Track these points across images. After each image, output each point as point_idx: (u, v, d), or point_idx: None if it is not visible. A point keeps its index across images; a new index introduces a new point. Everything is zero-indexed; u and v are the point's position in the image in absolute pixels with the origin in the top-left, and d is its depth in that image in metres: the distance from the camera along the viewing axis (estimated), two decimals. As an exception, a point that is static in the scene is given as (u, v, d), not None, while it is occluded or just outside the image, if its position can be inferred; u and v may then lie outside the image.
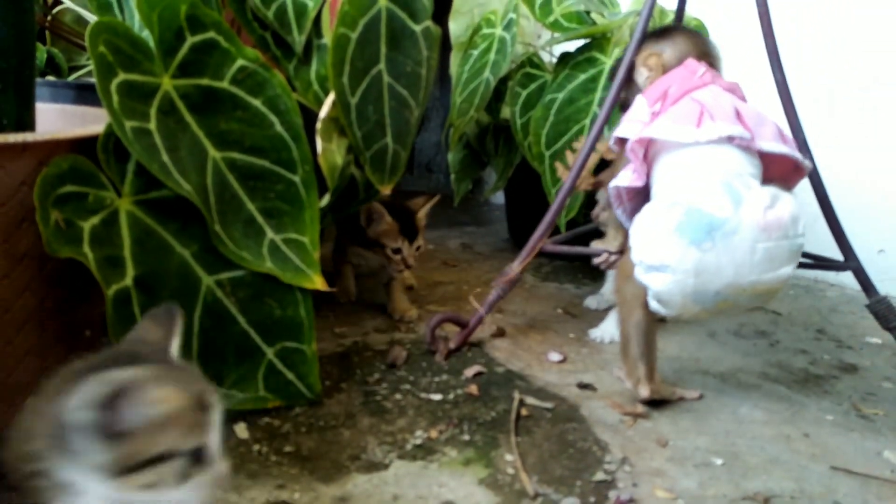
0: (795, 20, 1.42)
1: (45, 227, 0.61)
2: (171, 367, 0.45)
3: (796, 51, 1.37)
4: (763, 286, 0.76)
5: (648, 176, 0.85)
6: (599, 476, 0.71)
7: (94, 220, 0.66)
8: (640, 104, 0.88)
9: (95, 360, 0.42)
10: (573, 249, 1.08)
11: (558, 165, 1.24)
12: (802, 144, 0.97)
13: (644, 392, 0.84)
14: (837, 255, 0.96)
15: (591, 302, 1.24)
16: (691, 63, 0.86)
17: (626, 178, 0.86)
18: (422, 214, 1.13)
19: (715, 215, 0.74)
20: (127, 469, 0.39)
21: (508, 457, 0.73)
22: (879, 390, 0.94)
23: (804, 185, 0.96)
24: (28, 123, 0.66)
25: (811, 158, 0.96)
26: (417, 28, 0.90)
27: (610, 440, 0.78)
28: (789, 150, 0.81)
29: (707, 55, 0.90)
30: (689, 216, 0.74)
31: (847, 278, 0.98)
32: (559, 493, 0.67)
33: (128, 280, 0.68)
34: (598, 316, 1.16)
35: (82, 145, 0.67)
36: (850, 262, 0.96)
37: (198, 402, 0.43)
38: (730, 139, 0.78)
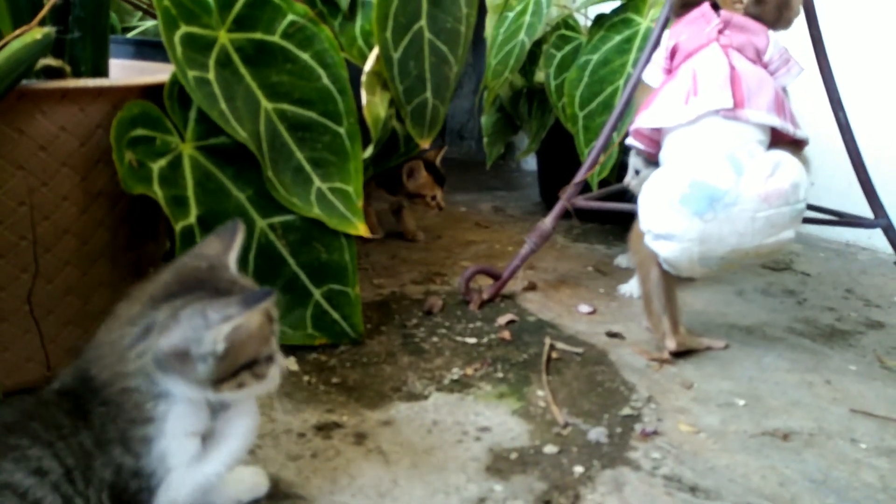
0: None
1: (121, 166, 0.67)
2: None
3: (833, 6, 1.36)
4: (766, 249, 0.79)
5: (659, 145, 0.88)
6: (626, 411, 0.75)
7: (162, 161, 0.72)
8: (663, 43, 0.91)
9: (174, 286, 0.47)
10: (605, 205, 1.11)
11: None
12: (836, 102, 0.98)
13: (671, 344, 0.87)
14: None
15: (622, 260, 1.27)
16: (707, 11, 0.86)
17: (645, 119, 0.88)
18: (438, 162, 1.31)
19: (717, 187, 0.76)
20: (222, 378, 0.45)
21: (540, 392, 0.78)
22: (905, 346, 0.96)
23: (838, 143, 0.98)
24: (102, 70, 0.71)
25: (844, 115, 0.97)
26: (458, -14, 0.93)
27: (637, 382, 0.82)
28: (780, 122, 0.80)
29: None
30: (692, 188, 0.77)
31: (879, 241, 0.99)
32: (587, 424, 0.72)
33: (191, 218, 0.73)
34: (629, 273, 1.19)
35: (150, 92, 0.72)
36: (880, 219, 0.97)
37: (267, 316, 0.48)
38: (717, 112, 0.79)
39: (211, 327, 0.43)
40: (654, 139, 0.89)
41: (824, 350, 0.93)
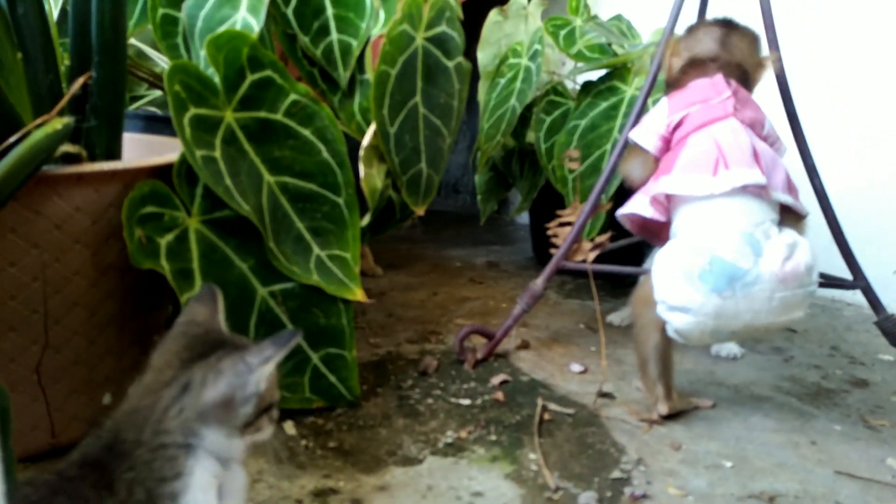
0: (811, 44, 1.48)
1: (131, 242, 0.70)
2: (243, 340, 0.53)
3: (809, 72, 1.43)
4: (776, 326, 0.82)
5: (668, 214, 0.90)
6: (616, 474, 0.77)
7: (169, 236, 0.75)
8: (660, 110, 0.92)
9: (195, 349, 0.50)
10: (594, 267, 1.14)
11: (567, 155, 1.31)
12: (812, 169, 1.03)
13: (663, 409, 0.89)
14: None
15: (615, 318, 1.30)
16: (719, 82, 0.87)
17: (640, 207, 0.90)
18: None
19: (737, 265, 0.78)
20: (247, 423, 0.49)
21: (532, 455, 0.80)
22: (888, 404, 0.98)
23: (817, 205, 1.02)
24: (116, 153, 0.76)
25: (820, 182, 1.02)
26: (450, 64, 0.99)
27: (627, 443, 0.84)
28: (794, 201, 0.84)
29: (726, 59, 0.90)
30: (712, 265, 0.78)
31: (864, 298, 1.03)
32: (578, 488, 0.74)
33: (196, 289, 0.77)
34: (620, 332, 1.22)
35: (159, 171, 0.77)
36: (859, 280, 1.01)
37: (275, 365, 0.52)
38: (744, 187, 0.80)
39: (253, 371, 0.47)
40: (664, 206, 0.90)
41: (810, 410, 0.95)
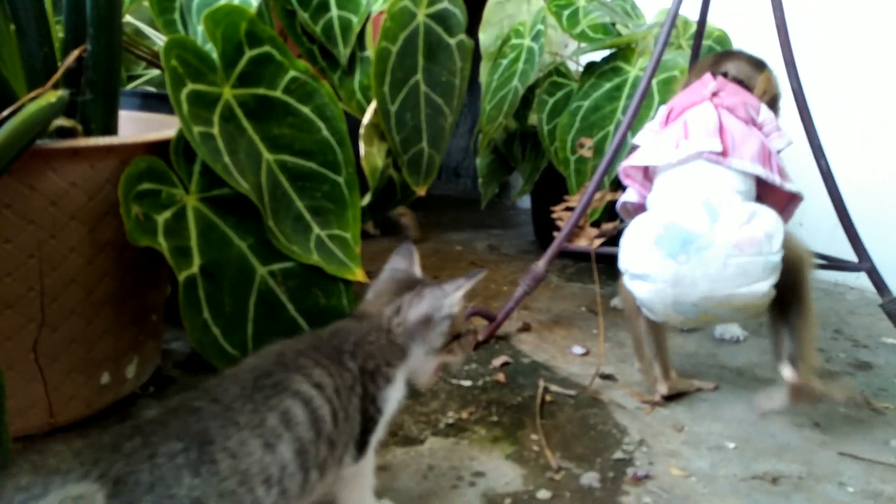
0: (816, 26, 1.46)
1: (128, 219, 0.69)
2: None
3: (815, 54, 1.41)
4: (739, 300, 0.78)
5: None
6: (618, 455, 0.77)
7: (167, 214, 0.74)
8: (660, 111, 0.95)
9: (402, 284, 0.63)
10: (596, 249, 1.13)
11: (580, 143, 1.30)
12: (818, 150, 1.02)
13: (662, 389, 0.89)
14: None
15: (617, 302, 1.29)
16: (706, 78, 0.92)
17: (629, 194, 0.94)
18: None
19: (690, 230, 0.78)
20: (444, 344, 0.62)
21: (534, 436, 0.80)
22: (891, 386, 0.98)
23: (824, 188, 1.01)
24: (112, 128, 0.75)
25: (826, 163, 1.01)
26: (452, 41, 0.98)
27: (629, 424, 0.84)
28: (764, 172, 0.82)
29: (718, 71, 0.95)
30: (667, 230, 0.79)
31: (867, 281, 1.02)
32: (580, 469, 0.73)
33: (194, 268, 0.76)
34: (622, 315, 1.21)
35: (156, 148, 0.75)
36: (864, 262, 1.00)
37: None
38: (699, 154, 0.82)
39: (448, 295, 0.61)
40: (647, 183, 0.93)
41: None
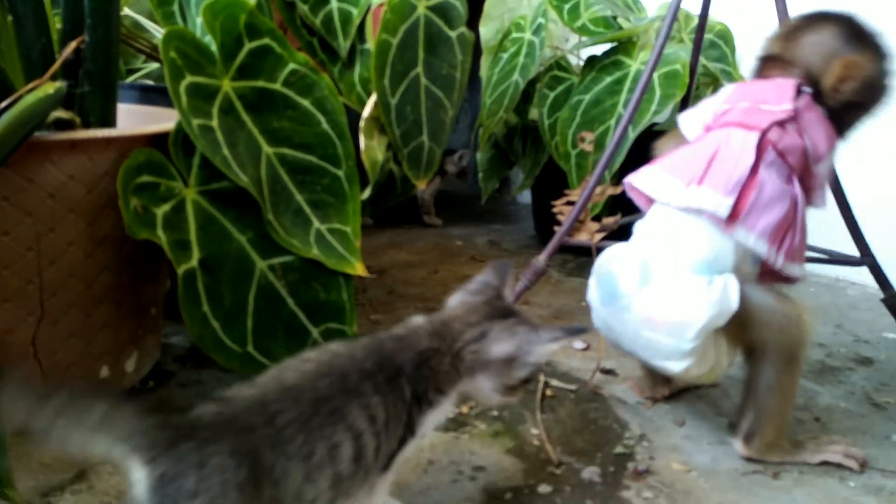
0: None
1: (127, 212, 0.69)
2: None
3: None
4: (660, 368, 0.74)
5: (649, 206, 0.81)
6: (619, 449, 0.76)
7: (166, 207, 0.74)
8: (718, 96, 0.80)
9: (493, 308, 0.58)
10: (597, 243, 1.13)
11: (581, 137, 1.29)
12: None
13: (664, 391, 0.89)
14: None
15: (615, 296, 1.29)
16: (788, 90, 0.73)
17: (639, 179, 0.80)
18: None
19: (617, 287, 0.72)
20: (512, 387, 0.56)
21: (534, 431, 0.79)
22: (893, 381, 0.97)
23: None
24: (110, 121, 0.74)
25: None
26: (453, 34, 0.97)
27: (629, 419, 0.83)
28: (768, 251, 0.69)
29: (787, 58, 0.76)
30: (603, 276, 0.76)
31: (868, 277, 1.01)
32: (581, 463, 0.73)
33: (194, 261, 0.75)
34: (621, 308, 1.21)
35: (155, 140, 0.75)
36: (866, 257, 1.00)
37: None
38: (699, 212, 0.70)
39: (542, 343, 0.55)
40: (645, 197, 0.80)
41: (814, 387, 0.94)
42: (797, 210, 0.71)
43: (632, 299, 0.71)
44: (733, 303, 0.68)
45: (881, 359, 1.05)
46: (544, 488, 0.68)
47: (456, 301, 0.60)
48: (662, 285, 0.70)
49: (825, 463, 0.74)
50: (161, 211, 0.73)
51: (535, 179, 1.58)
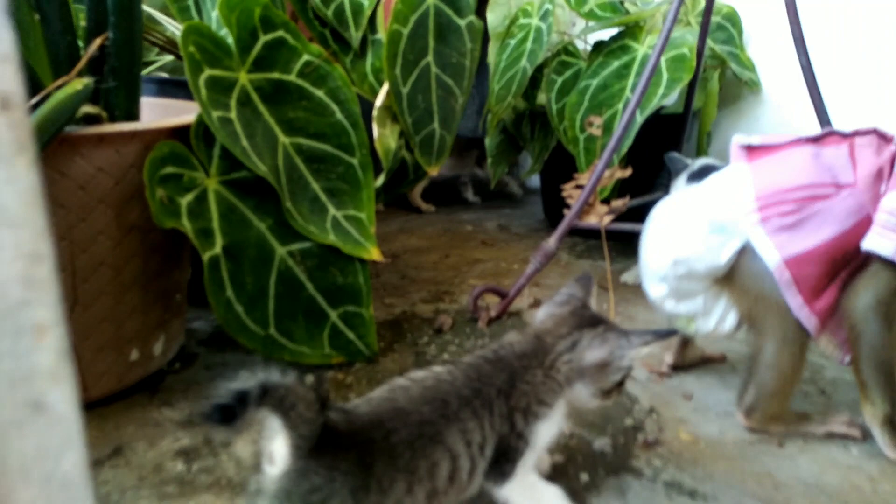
0: (826, 6, 1.45)
1: (153, 202, 0.72)
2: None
3: (826, 34, 1.41)
4: (648, 291, 0.83)
5: None
6: (629, 422, 0.79)
7: (189, 196, 0.77)
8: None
9: (583, 317, 0.61)
10: (606, 226, 1.15)
11: (589, 121, 1.31)
12: (826, 125, 1.03)
13: (668, 358, 0.91)
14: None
15: (628, 277, 1.31)
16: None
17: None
18: None
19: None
20: (608, 391, 0.59)
21: (547, 406, 0.82)
22: (898, 355, 0.99)
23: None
24: (135, 114, 0.77)
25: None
26: (462, 22, 0.99)
27: (639, 394, 0.86)
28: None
29: None
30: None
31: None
32: (592, 435, 0.76)
33: (217, 248, 0.78)
34: (632, 290, 1.23)
35: (178, 132, 0.78)
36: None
37: None
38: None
39: (633, 347, 0.58)
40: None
41: (820, 361, 0.96)
42: None
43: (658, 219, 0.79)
44: (722, 259, 0.73)
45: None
46: (557, 458, 0.71)
47: (544, 314, 0.63)
48: (681, 218, 0.77)
49: (834, 435, 0.77)
50: (185, 200, 0.76)
51: (543, 164, 1.60)
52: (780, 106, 1.55)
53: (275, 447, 0.48)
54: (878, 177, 0.71)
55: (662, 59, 1.31)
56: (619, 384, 0.60)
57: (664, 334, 0.60)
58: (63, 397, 0.23)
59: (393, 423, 0.51)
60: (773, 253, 0.71)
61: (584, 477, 0.69)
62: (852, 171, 0.71)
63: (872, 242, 0.68)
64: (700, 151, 1.55)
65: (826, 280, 0.70)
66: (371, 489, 0.49)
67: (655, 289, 0.80)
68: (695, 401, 0.85)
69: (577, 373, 0.58)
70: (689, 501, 0.66)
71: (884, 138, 0.73)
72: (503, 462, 0.56)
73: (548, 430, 0.58)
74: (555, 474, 0.69)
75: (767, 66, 1.57)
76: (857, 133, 0.73)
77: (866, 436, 0.76)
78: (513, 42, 1.54)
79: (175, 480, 0.67)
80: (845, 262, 0.70)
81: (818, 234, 0.70)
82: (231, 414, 0.42)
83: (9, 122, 0.22)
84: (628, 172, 1.16)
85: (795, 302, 0.71)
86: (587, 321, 0.60)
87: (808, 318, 0.71)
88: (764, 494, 0.67)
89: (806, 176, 0.71)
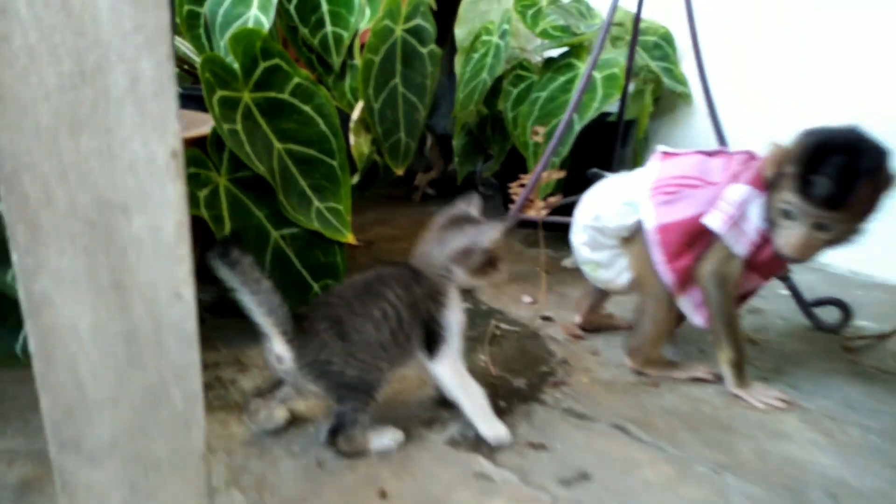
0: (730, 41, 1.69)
1: (180, 195, 0.94)
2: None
3: (737, 53, 1.65)
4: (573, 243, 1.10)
5: None
6: (544, 369, 1.03)
7: (205, 191, 0.99)
8: None
9: (453, 223, 0.83)
10: (544, 218, 1.39)
11: (534, 130, 1.54)
12: (721, 139, 1.27)
13: (577, 318, 1.16)
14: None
15: (567, 262, 1.55)
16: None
17: None
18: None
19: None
20: (479, 270, 0.81)
21: (482, 357, 1.06)
22: (771, 325, 1.24)
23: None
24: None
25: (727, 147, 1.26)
26: (425, 50, 1.21)
27: (557, 350, 1.10)
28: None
29: None
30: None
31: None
32: (513, 377, 1.00)
33: (226, 231, 1.00)
34: (570, 273, 1.47)
35: (197, 141, 1.00)
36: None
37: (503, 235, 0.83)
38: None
39: (484, 233, 0.79)
40: None
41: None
42: None
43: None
44: (626, 223, 0.99)
45: (768, 309, 1.32)
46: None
47: (431, 229, 0.85)
48: (606, 192, 1.04)
49: (697, 380, 1.01)
50: (202, 194, 0.98)
51: (501, 164, 1.83)
52: (708, 116, 1.79)
53: (275, 348, 0.71)
54: (735, 179, 0.95)
55: (598, 77, 1.54)
56: (492, 265, 0.80)
57: (506, 223, 0.83)
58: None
59: (345, 291, 0.78)
60: (651, 219, 0.95)
61: (503, 404, 0.92)
62: (720, 175, 0.95)
63: (709, 219, 0.92)
64: (636, 156, 1.78)
65: (683, 247, 0.95)
66: (350, 332, 0.74)
67: (578, 236, 1.05)
68: (600, 356, 1.09)
69: (451, 259, 0.80)
70: (578, 421, 0.89)
71: (753, 157, 0.97)
72: (431, 343, 0.81)
73: (454, 315, 0.81)
74: (482, 403, 0.92)
75: (698, 81, 1.81)
76: (737, 152, 0.98)
77: (720, 379, 1.00)
78: (476, 56, 1.76)
79: (196, 405, 0.89)
80: (699, 237, 0.94)
81: (684, 212, 0.94)
82: (227, 254, 0.70)
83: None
84: (563, 174, 1.39)
85: (659, 259, 0.95)
86: (456, 223, 0.81)
87: (666, 273, 0.95)
88: (633, 416, 0.91)
89: (689, 172, 0.96)
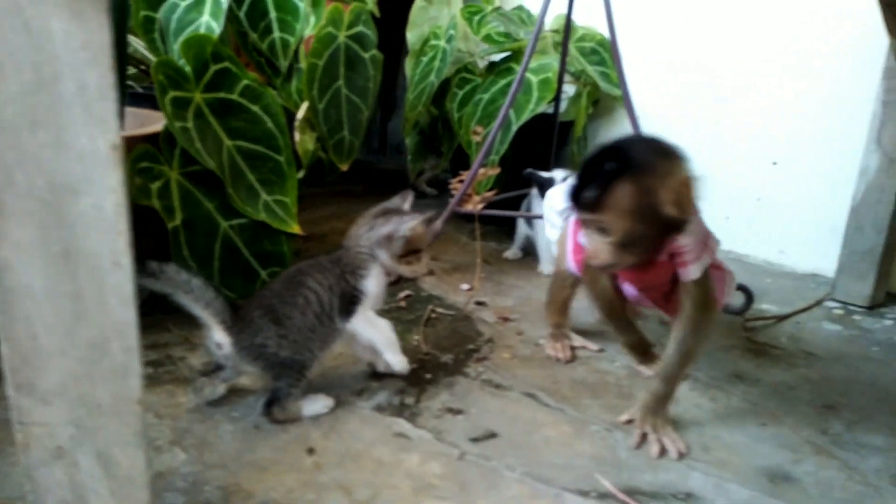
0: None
1: (133, 187, 1.02)
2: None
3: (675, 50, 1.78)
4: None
5: None
6: (470, 347, 1.14)
7: (158, 183, 1.07)
8: None
9: (383, 212, 0.97)
10: (480, 212, 1.50)
11: (474, 130, 1.66)
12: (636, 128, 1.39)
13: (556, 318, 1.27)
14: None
15: (508, 254, 1.67)
16: None
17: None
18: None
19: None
20: (403, 256, 0.95)
21: (416, 337, 1.16)
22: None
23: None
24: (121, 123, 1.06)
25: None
26: (367, 55, 1.31)
27: (485, 331, 1.21)
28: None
29: None
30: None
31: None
32: (442, 353, 1.10)
33: (178, 221, 1.09)
34: (509, 264, 1.58)
35: (150, 137, 1.08)
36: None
37: (427, 225, 0.97)
38: None
39: (405, 222, 0.93)
40: None
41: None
42: None
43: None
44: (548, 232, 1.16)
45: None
46: (413, 365, 1.05)
47: (363, 217, 0.97)
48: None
49: (601, 352, 1.13)
50: (155, 186, 1.07)
51: (450, 160, 1.94)
52: (641, 116, 1.93)
53: (214, 336, 0.80)
54: None
55: (535, 80, 1.66)
56: (412, 254, 0.94)
57: (424, 215, 0.95)
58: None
59: (269, 285, 0.90)
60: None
61: (428, 376, 1.03)
62: None
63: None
64: (572, 155, 1.91)
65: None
66: (281, 318, 0.85)
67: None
68: (523, 336, 1.20)
69: (376, 243, 0.93)
70: (494, 390, 1.00)
71: None
72: (349, 306, 0.92)
73: (373, 283, 0.93)
74: (409, 375, 1.03)
75: (633, 84, 1.94)
76: None
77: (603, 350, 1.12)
78: (425, 59, 1.86)
79: (147, 378, 0.98)
80: None
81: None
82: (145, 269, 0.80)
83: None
84: (498, 171, 1.50)
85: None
86: (386, 213, 0.95)
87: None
88: (544, 385, 1.02)
89: None
